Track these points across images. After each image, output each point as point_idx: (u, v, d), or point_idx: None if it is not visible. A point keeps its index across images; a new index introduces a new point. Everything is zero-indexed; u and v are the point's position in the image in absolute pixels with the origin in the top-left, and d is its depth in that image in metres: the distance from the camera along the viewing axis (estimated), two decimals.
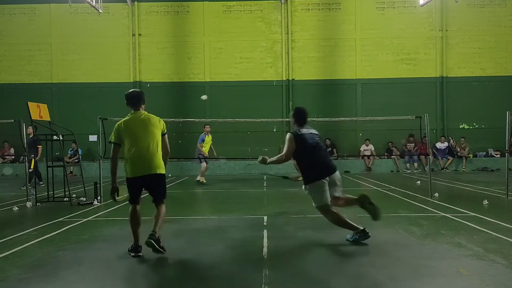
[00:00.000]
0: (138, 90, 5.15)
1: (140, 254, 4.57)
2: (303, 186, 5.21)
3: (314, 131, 5.46)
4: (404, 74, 17.92)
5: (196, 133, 17.25)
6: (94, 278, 3.96)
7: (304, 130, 5.36)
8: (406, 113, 12.88)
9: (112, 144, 4.71)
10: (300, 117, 5.49)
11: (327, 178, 5.10)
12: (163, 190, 4.83)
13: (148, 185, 4.72)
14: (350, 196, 5.37)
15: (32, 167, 12.04)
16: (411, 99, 17.50)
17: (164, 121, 4.95)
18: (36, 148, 11.85)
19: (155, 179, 4.68)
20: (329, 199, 5.05)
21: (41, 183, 12.00)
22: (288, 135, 5.34)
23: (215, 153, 13.36)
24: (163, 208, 4.77)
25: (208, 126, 13.09)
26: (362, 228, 5.04)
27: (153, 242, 4.42)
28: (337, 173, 5.25)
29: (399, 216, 6.90)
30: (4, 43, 18.12)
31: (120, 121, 4.77)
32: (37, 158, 11.89)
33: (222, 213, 7.50)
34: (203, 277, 3.96)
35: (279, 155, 5.39)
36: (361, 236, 5.01)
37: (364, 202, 5.20)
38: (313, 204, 5.15)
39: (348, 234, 5.11)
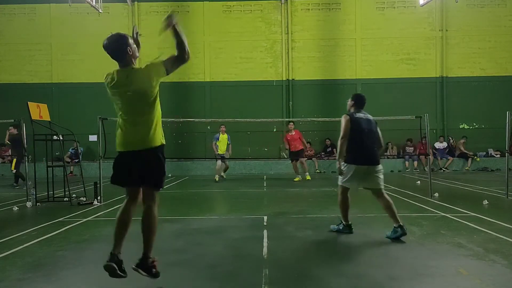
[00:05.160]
0: (118, 34, 3.70)
1: (115, 266, 3.46)
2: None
3: (370, 117, 5.58)
4: (404, 74, 17.93)
5: (196, 133, 17.33)
6: (94, 278, 3.96)
7: (360, 115, 5.50)
8: (406, 113, 12.87)
9: None
10: (357, 100, 5.61)
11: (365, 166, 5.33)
12: (156, 172, 3.62)
13: (139, 164, 3.57)
14: (388, 203, 5.37)
15: (13, 167, 12.19)
16: (411, 99, 17.51)
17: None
18: (21, 148, 11.93)
19: (147, 156, 3.57)
20: (349, 183, 5.42)
21: (15, 184, 12.06)
22: (343, 116, 5.47)
23: (229, 152, 13.63)
24: (154, 211, 3.64)
25: (223, 126, 13.63)
26: (350, 223, 5.58)
27: (142, 273, 3.63)
28: (376, 167, 5.38)
29: (399, 216, 6.88)
30: (4, 43, 18.12)
31: (107, 73, 3.74)
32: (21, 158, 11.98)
33: (222, 213, 7.50)
34: (203, 277, 3.96)
35: (339, 145, 5.43)
36: (344, 228, 5.59)
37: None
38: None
39: (332, 225, 5.79)
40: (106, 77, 3.70)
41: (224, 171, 14.02)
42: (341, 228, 5.63)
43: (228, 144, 13.55)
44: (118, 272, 3.45)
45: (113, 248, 3.54)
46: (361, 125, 5.37)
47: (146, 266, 3.65)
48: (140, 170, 3.58)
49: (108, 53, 3.63)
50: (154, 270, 3.70)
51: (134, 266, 3.63)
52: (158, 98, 3.66)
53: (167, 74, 3.65)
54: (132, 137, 3.59)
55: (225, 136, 13.53)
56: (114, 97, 3.66)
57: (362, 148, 5.32)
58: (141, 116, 3.57)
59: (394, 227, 5.22)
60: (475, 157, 16.91)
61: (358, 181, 5.39)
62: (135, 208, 3.69)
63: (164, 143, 3.70)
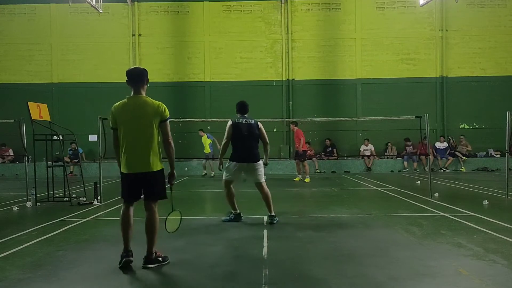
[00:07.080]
0: (142, 68, 4.45)
1: (131, 259, 4.16)
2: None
3: (252, 121, 6.44)
4: (404, 74, 17.94)
5: (196, 133, 17.30)
6: (94, 278, 3.96)
7: (242, 120, 6.42)
8: (406, 113, 12.88)
9: (112, 130, 4.30)
10: (239, 108, 6.53)
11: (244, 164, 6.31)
12: (157, 189, 4.27)
13: (141, 183, 4.22)
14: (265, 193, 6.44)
15: None
16: (411, 99, 17.51)
17: None
18: None
19: (149, 177, 4.19)
20: (231, 177, 6.40)
21: None
22: (228, 122, 6.42)
23: (218, 146, 14.69)
24: (155, 216, 4.23)
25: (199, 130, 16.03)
26: (238, 211, 6.48)
27: (151, 266, 4.18)
28: (255, 164, 6.32)
29: (399, 216, 6.90)
30: (4, 43, 18.13)
31: (115, 104, 4.28)
32: None
33: (222, 213, 7.49)
34: (203, 277, 3.95)
35: (221, 145, 6.46)
36: (235, 217, 6.46)
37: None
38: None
39: (224, 216, 6.59)
40: (113, 107, 4.28)
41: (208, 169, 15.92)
42: (232, 218, 6.47)
43: (210, 143, 15.44)
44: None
45: (124, 247, 4.18)
46: (241, 129, 6.30)
47: (152, 260, 4.21)
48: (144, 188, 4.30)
49: (131, 77, 4.28)
50: (160, 258, 4.27)
51: (142, 265, 4.16)
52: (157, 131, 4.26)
53: (159, 124, 4.26)
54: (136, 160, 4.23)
55: (204, 137, 15.53)
56: (122, 119, 4.22)
57: (242, 148, 6.30)
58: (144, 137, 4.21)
59: (269, 215, 6.35)
60: (463, 159, 16.84)
61: (240, 175, 6.48)
62: (133, 208, 4.33)
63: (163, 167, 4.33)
